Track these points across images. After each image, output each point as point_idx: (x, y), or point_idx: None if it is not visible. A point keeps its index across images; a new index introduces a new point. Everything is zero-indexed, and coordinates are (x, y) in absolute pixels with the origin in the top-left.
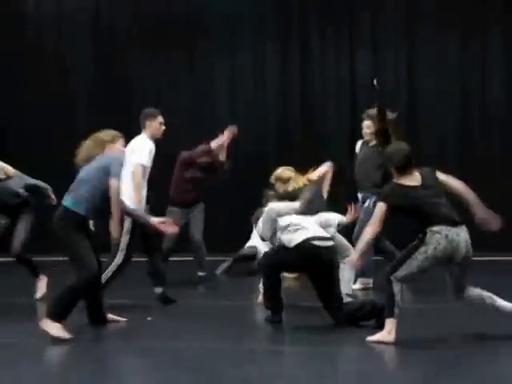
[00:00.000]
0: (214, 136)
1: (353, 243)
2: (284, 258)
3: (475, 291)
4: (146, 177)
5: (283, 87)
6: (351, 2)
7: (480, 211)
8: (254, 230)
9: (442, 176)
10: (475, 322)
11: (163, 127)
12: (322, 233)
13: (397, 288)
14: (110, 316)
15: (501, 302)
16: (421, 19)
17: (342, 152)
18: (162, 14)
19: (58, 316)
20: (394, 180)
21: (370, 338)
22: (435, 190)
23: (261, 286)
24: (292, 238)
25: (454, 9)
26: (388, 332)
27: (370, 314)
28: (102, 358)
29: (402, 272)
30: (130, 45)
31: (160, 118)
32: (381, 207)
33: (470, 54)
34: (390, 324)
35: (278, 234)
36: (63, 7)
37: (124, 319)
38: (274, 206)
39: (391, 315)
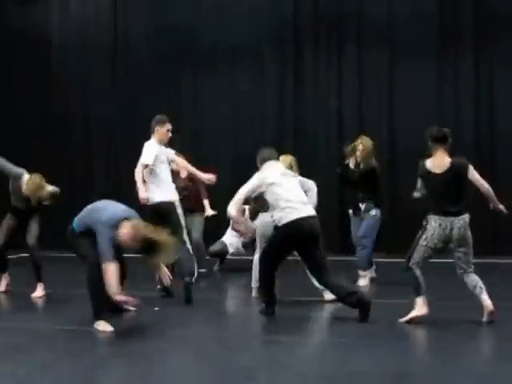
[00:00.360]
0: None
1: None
2: (274, 239)
3: (474, 278)
4: (166, 177)
5: (278, 119)
6: (339, 39)
7: (494, 203)
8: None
9: (473, 173)
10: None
11: (170, 134)
12: (308, 212)
13: (418, 272)
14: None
15: (484, 297)
16: (400, 53)
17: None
18: (171, 46)
19: (96, 315)
20: (427, 160)
21: (403, 319)
22: (452, 180)
23: (253, 282)
24: (282, 217)
25: (429, 43)
26: (419, 309)
27: (355, 305)
28: (118, 343)
29: (415, 257)
30: (140, 67)
31: (168, 125)
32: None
33: (444, 83)
34: (419, 302)
35: (271, 210)
36: (85, 34)
37: (134, 308)
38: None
39: (418, 294)
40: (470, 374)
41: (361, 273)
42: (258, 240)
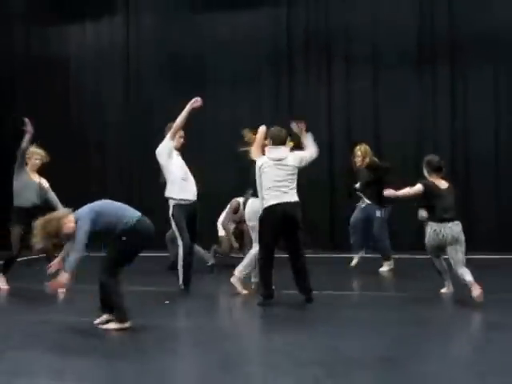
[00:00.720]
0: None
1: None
2: (260, 228)
3: (465, 270)
4: (175, 173)
5: None
6: (328, 60)
7: None
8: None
9: None
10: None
11: (182, 140)
12: (287, 198)
13: (436, 262)
14: None
15: (467, 277)
16: (384, 71)
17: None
18: (178, 67)
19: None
20: (430, 179)
21: (442, 291)
22: (448, 196)
23: (253, 277)
24: (263, 204)
25: (410, 61)
26: (447, 288)
27: (303, 293)
28: (128, 332)
29: (428, 253)
30: (151, 86)
31: (181, 132)
32: (418, 187)
33: (424, 97)
34: (446, 284)
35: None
36: (100, 55)
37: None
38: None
39: (443, 278)
40: (453, 358)
41: (384, 262)
42: (251, 230)
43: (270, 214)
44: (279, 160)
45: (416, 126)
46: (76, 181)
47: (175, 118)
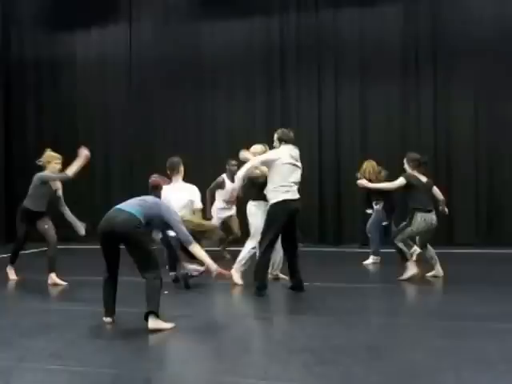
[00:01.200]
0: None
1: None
2: (269, 217)
3: (431, 250)
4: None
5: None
6: (320, 69)
7: (442, 208)
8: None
9: (435, 188)
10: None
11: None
12: (292, 196)
13: (400, 244)
14: None
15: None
16: (371, 81)
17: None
18: (178, 71)
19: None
20: (415, 173)
21: (402, 278)
22: (427, 189)
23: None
24: (275, 196)
25: (394, 72)
26: (411, 270)
27: (293, 284)
28: (132, 323)
29: (400, 236)
30: (153, 91)
31: (181, 168)
32: (401, 180)
33: (408, 104)
34: (409, 265)
35: (268, 187)
36: (104, 58)
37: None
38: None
39: (406, 260)
40: (438, 346)
41: (370, 256)
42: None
43: (280, 209)
44: (297, 160)
45: (400, 128)
46: (77, 183)
47: (175, 122)
